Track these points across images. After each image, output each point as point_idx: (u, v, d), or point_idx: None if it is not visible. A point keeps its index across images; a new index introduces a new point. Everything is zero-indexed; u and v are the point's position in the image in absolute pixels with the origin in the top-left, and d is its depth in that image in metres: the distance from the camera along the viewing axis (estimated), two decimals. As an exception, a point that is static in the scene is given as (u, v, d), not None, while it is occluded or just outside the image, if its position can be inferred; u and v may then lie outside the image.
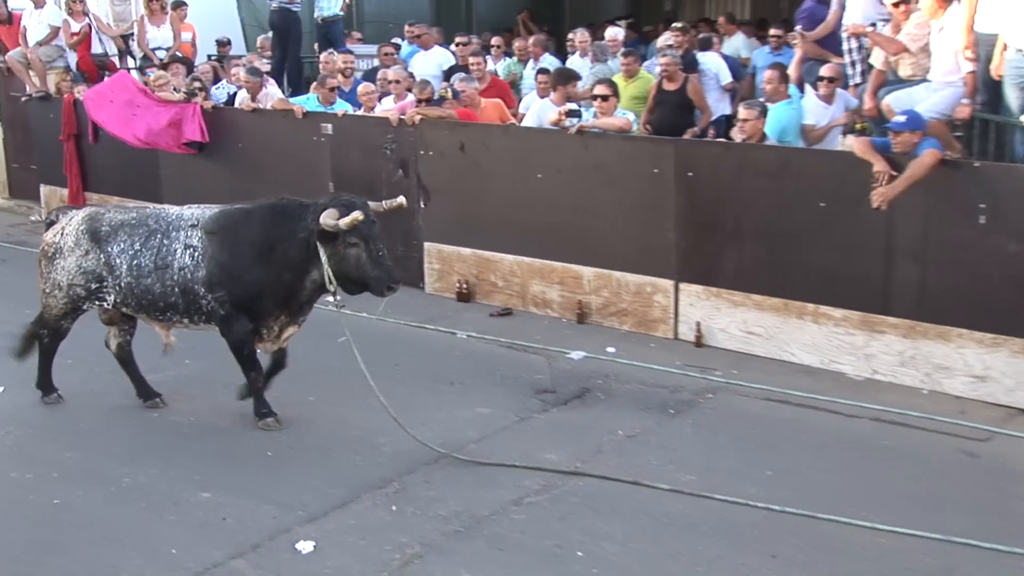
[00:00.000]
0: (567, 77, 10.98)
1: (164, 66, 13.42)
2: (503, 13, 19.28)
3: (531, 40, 13.76)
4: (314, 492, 6.70)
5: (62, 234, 7.82)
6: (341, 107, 11.67)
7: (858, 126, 9.76)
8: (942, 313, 8.04)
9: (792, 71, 10.42)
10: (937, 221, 8.00)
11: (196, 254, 7.40)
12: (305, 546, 6.04)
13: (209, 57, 15.17)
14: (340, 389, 7.84)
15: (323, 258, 7.01)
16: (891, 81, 9.28)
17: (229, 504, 6.57)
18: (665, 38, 12.27)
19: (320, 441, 7.43)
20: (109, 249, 7.61)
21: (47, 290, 7.88)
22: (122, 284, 7.58)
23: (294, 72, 14.10)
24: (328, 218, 6.87)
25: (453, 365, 8.70)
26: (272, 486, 6.80)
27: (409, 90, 11.54)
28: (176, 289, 7.45)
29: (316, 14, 14.45)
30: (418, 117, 10.64)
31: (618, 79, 10.89)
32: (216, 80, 13.49)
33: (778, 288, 8.77)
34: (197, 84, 12.64)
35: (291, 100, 12.20)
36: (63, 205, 8.57)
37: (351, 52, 13.03)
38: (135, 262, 7.52)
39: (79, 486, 6.85)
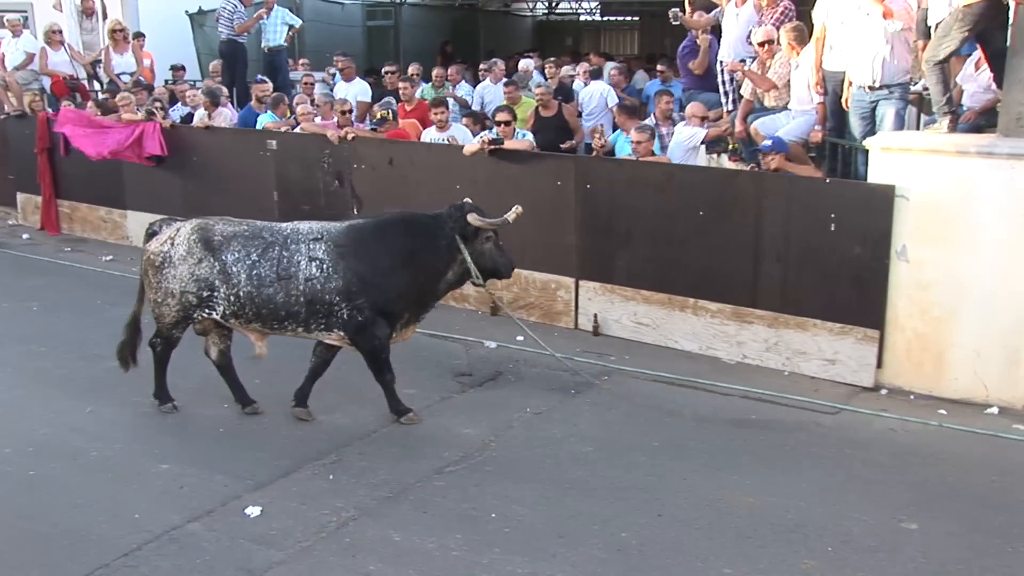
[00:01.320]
0: (438, 102, 10.99)
1: (128, 89, 13.15)
2: (425, 45, 19.26)
3: (451, 69, 13.77)
4: (261, 463, 6.62)
5: (171, 244, 7.10)
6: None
7: (731, 147, 9.90)
8: (800, 306, 8.17)
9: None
10: (796, 228, 8.12)
11: (325, 266, 6.92)
12: (253, 511, 5.97)
13: (166, 82, 14.91)
14: (283, 372, 7.68)
15: (467, 257, 7.12)
16: (757, 109, 9.43)
17: (186, 474, 6.46)
18: (566, 69, 12.30)
19: (266, 419, 7.33)
20: (224, 258, 6.98)
21: (159, 299, 7.17)
22: (240, 293, 6.96)
23: (241, 95, 13.93)
24: (478, 220, 7.07)
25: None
26: (224, 458, 6.71)
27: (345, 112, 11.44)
28: (302, 299, 6.92)
29: (263, 44, 14.27)
30: (351, 135, 10.56)
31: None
32: (172, 102, 13.25)
33: (663, 285, 8.82)
34: (157, 104, 12.41)
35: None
36: (164, 217, 7.68)
37: (265, 81, 12.75)
38: (255, 272, 6.93)
39: (52, 459, 6.69)
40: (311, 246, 7.00)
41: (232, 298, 7.01)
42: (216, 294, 7.03)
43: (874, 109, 8.39)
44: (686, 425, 7.29)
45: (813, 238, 8.04)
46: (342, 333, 7.09)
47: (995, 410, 7.47)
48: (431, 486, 6.32)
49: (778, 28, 9.24)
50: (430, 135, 10.66)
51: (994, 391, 7.52)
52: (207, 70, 15.47)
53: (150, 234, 7.40)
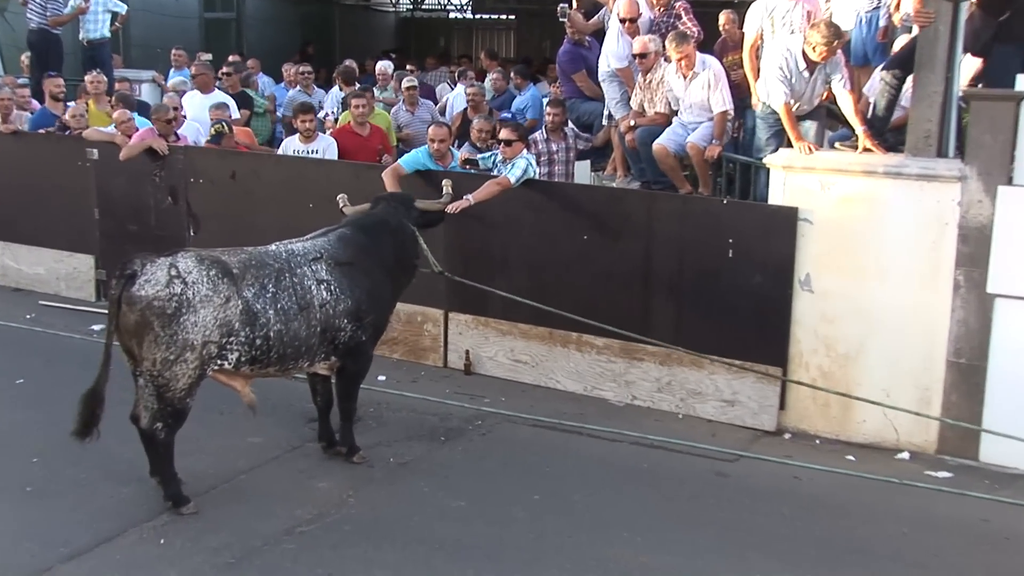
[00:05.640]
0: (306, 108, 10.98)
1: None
2: (273, 41, 19.10)
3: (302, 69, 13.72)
4: (77, 527, 6.39)
5: (183, 283, 6.28)
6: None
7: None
8: (695, 341, 8.27)
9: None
10: (691, 254, 8.29)
11: (332, 287, 6.90)
12: (66, 584, 5.77)
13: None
14: (105, 420, 7.38)
15: (424, 246, 7.69)
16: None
17: (-16, 543, 6.20)
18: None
19: (84, 474, 7.06)
20: (245, 295, 6.49)
21: (171, 356, 6.29)
22: (270, 334, 6.58)
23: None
24: (429, 204, 7.98)
25: (223, 394, 8.37)
26: (31, 522, 6.45)
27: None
28: (318, 328, 6.82)
29: (82, 36, 13.89)
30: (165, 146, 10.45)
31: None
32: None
33: (543, 318, 8.83)
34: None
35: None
36: (142, 254, 6.56)
37: (58, 76, 12.46)
38: (279, 306, 6.62)
39: None
40: (314, 267, 6.96)
41: (258, 341, 6.59)
42: (233, 339, 6.50)
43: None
44: (570, 476, 7.33)
45: (709, 265, 8.21)
46: (334, 359, 7.15)
47: (906, 455, 7.76)
48: (281, 549, 6.21)
49: (663, 36, 9.52)
50: (293, 145, 10.54)
51: (905, 435, 7.80)
52: (11, 65, 15.01)
53: (129, 276, 6.30)
